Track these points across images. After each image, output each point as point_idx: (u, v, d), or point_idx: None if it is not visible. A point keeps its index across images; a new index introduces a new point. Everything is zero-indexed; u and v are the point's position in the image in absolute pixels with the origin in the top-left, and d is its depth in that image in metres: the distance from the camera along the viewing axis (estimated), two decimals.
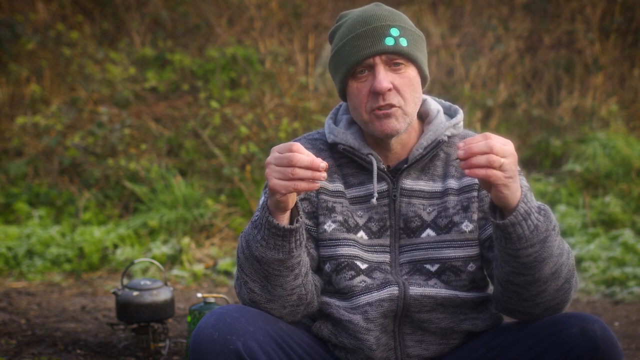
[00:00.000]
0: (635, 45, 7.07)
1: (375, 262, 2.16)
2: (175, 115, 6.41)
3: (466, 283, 2.15)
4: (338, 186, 2.18)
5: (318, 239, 2.16)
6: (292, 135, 5.93)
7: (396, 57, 2.09)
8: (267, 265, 2.00)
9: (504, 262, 1.98)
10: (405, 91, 2.10)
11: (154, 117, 6.42)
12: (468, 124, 6.10)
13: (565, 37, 7.16)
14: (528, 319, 2.06)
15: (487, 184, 1.89)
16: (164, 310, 3.34)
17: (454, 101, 2.56)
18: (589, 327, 1.93)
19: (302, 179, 1.87)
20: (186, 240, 5.22)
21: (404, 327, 2.16)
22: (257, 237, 1.98)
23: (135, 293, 3.32)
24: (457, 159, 1.88)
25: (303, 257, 2.03)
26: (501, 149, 1.85)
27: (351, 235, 2.15)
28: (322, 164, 1.88)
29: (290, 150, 1.88)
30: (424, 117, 2.24)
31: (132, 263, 3.33)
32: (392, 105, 2.09)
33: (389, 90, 2.08)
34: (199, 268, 4.99)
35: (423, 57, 2.15)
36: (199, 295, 3.06)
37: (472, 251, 2.14)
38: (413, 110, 2.13)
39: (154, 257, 5.03)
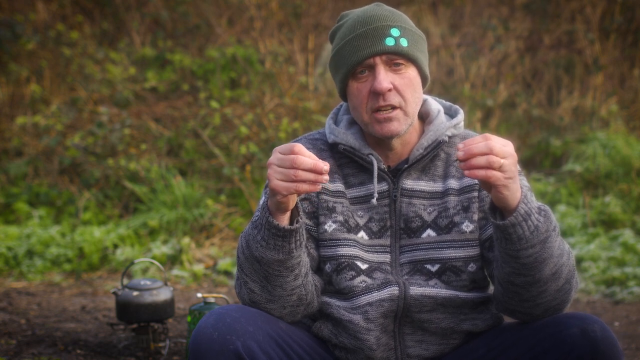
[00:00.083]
0: (635, 45, 7.07)
1: (376, 262, 2.16)
2: (175, 115, 6.41)
3: (466, 283, 2.15)
4: (338, 186, 2.18)
5: (318, 239, 2.16)
6: (292, 135, 5.93)
7: (396, 57, 2.09)
8: (267, 265, 2.00)
9: (504, 263, 1.98)
10: (405, 91, 2.10)
11: (154, 117, 6.42)
12: (468, 124, 6.10)
13: (565, 37, 7.16)
14: (528, 319, 2.06)
15: (487, 185, 1.89)
16: (164, 310, 3.34)
17: (454, 101, 2.56)
18: (589, 327, 1.93)
19: (304, 181, 1.87)
20: (186, 240, 5.22)
21: (404, 327, 2.16)
22: (257, 237, 1.98)
23: (135, 293, 3.32)
24: (457, 160, 1.88)
25: (303, 258, 2.03)
26: (501, 149, 1.85)
27: (351, 236, 2.15)
28: (325, 166, 1.87)
29: (293, 152, 1.87)
30: (424, 117, 2.23)
31: (132, 263, 3.33)
32: (392, 107, 2.09)
33: (389, 90, 2.08)
34: (199, 268, 4.99)
35: (423, 58, 2.15)
36: (199, 295, 3.06)
37: (473, 251, 2.14)
38: (414, 110, 2.13)
39: (154, 257, 5.03)
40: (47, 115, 6.43)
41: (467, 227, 2.13)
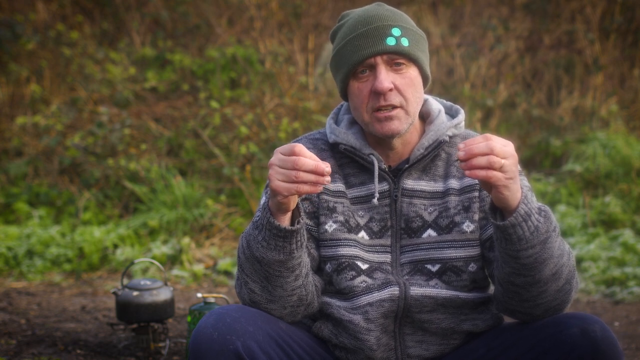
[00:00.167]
0: (635, 45, 7.07)
1: (376, 262, 2.15)
2: (175, 115, 6.41)
3: (467, 283, 2.15)
4: (339, 186, 2.18)
5: (319, 239, 2.16)
6: (292, 135, 5.93)
7: (397, 57, 2.09)
8: (268, 266, 2.00)
9: (504, 263, 1.98)
10: (406, 91, 2.09)
11: (154, 117, 6.42)
12: (468, 124, 6.08)
13: (565, 37, 7.16)
14: (529, 320, 2.06)
15: (487, 185, 1.89)
16: (164, 310, 3.34)
17: (454, 101, 2.55)
18: (589, 327, 1.93)
19: (305, 182, 1.87)
20: (186, 240, 5.22)
21: (405, 327, 2.16)
22: (258, 237, 1.98)
23: (135, 293, 3.32)
24: (457, 160, 1.88)
25: (304, 258, 2.03)
26: (501, 150, 1.85)
27: (352, 236, 2.15)
28: (327, 168, 1.87)
29: (293, 153, 1.87)
30: (425, 117, 2.23)
31: (132, 263, 3.33)
32: (393, 106, 2.09)
33: (390, 90, 2.08)
34: (199, 268, 4.99)
35: (424, 57, 2.15)
36: (199, 295, 3.06)
37: (473, 251, 2.14)
38: (415, 110, 2.13)
39: (154, 257, 5.03)
40: (47, 115, 6.43)
41: (468, 227, 2.13)
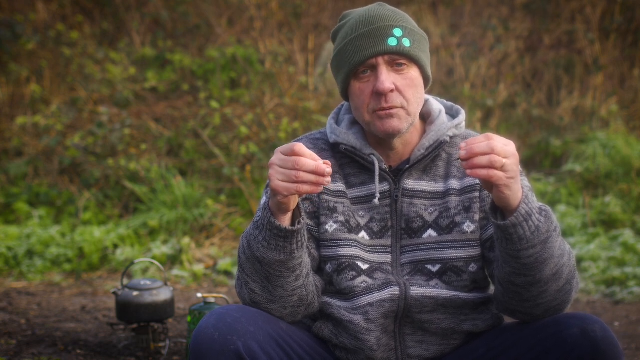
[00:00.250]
0: (635, 45, 7.07)
1: (377, 262, 2.15)
2: (175, 115, 6.41)
3: (467, 284, 2.15)
4: (340, 186, 2.18)
5: (319, 239, 2.16)
6: (292, 135, 5.93)
7: (399, 58, 2.09)
8: (269, 266, 1.99)
9: (504, 263, 1.98)
10: (407, 92, 2.09)
11: (154, 117, 6.42)
12: (468, 124, 6.08)
13: (565, 37, 7.16)
14: (529, 320, 2.06)
15: (488, 185, 1.89)
16: (164, 310, 3.34)
17: (454, 101, 2.55)
18: (589, 327, 1.93)
19: (305, 183, 1.87)
20: (186, 240, 5.22)
21: (405, 327, 2.16)
22: (259, 237, 1.98)
23: (135, 293, 3.32)
24: (458, 159, 1.88)
25: (304, 258, 2.03)
26: (503, 149, 1.84)
27: (352, 236, 2.15)
28: (328, 169, 1.87)
29: (294, 152, 1.87)
30: (426, 117, 2.23)
31: (132, 263, 3.33)
32: (394, 107, 2.09)
33: (392, 91, 2.08)
34: (199, 268, 4.99)
35: (426, 58, 2.15)
36: (199, 295, 3.06)
37: (474, 251, 2.14)
38: (415, 110, 2.13)
39: (154, 257, 5.03)
40: (47, 115, 6.43)
41: (469, 227, 2.13)
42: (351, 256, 2.13)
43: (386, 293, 2.12)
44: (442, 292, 2.13)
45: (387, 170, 2.17)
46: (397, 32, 2.09)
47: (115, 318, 3.76)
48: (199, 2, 7.47)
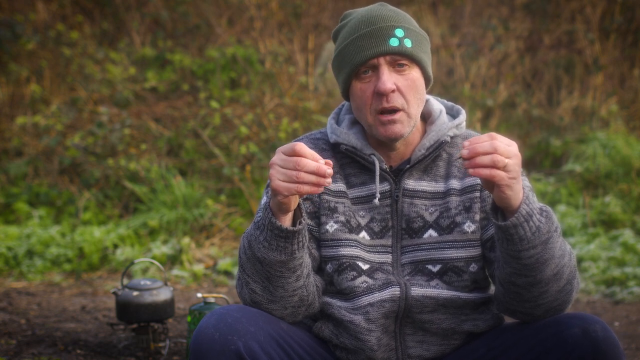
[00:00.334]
0: (635, 45, 7.07)
1: (377, 262, 2.15)
2: (175, 115, 6.41)
3: (468, 284, 2.14)
4: (340, 186, 2.18)
5: (320, 239, 2.15)
6: (292, 135, 5.93)
7: (400, 58, 2.08)
8: (269, 266, 1.99)
9: (505, 263, 1.98)
10: (408, 93, 2.09)
11: (154, 117, 6.42)
12: (468, 124, 6.08)
13: (565, 37, 7.16)
14: (529, 320, 2.06)
15: (489, 185, 1.89)
16: (164, 310, 3.34)
17: (454, 101, 2.55)
18: (590, 327, 1.93)
19: (306, 183, 1.87)
20: (186, 240, 5.22)
21: (405, 327, 2.16)
22: (260, 238, 1.98)
23: (135, 293, 3.32)
24: (460, 158, 1.87)
25: (305, 259, 2.03)
26: (505, 149, 1.84)
27: (353, 236, 2.15)
28: (329, 170, 1.87)
29: (295, 153, 1.87)
30: (426, 117, 2.23)
31: (132, 263, 3.33)
32: (396, 109, 2.08)
33: (393, 91, 2.07)
34: (199, 268, 4.99)
35: (427, 58, 2.14)
36: (199, 295, 3.06)
37: (474, 252, 2.14)
38: (416, 112, 2.12)
39: (154, 257, 5.02)
40: (47, 115, 6.42)
41: (469, 227, 2.13)
42: (352, 256, 2.13)
43: (387, 293, 2.12)
44: (443, 292, 2.13)
45: (388, 170, 2.17)
46: (399, 32, 2.09)
47: (115, 318, 3.76)
48: (199, 2, 7.47)
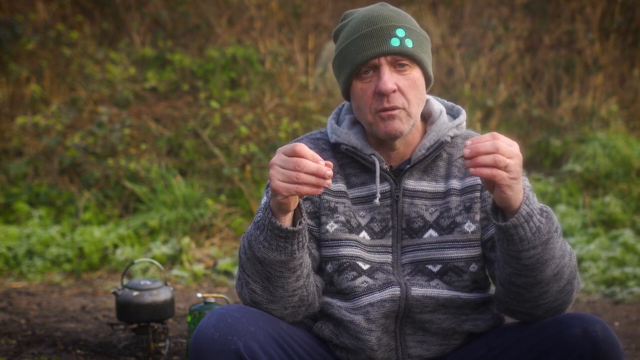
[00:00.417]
0: (635, 45, 7.07)
1: (377, 262, 2.15)
2: (175, 115, 6.41)
3: (468, 284, 2.14)
4: (340, 186, 2.18)
5: (320, 239, 2.15)
6: (292, 135, 5.94)
7: (401, 58, 2.09)
8: (269, 266, 1.99)
9: (505, 264, 1.98)
10: (409, 93, 2.09)
11: (154, 117, 6.42)
12: (468, 124, 6.07)
13: (565, 37, 7.16)
14: (530, 320, 2.06)
15: (490, 184, 1.89)
16: (164, 310, 3.34)
17: (454, 101, 2.55)
18: (590, 327, 1.93)
19: (306, 184, 1.87)
20: (186, 240, 5.22)
21: (406, 327, 2.16)
22: (260, 238, 1.98)
23: (135, 293, 3.32)
24: (462, 157, 1.87)
25: (305, 259, 2.03)
26: (507, 149, 1.84)
27: (353, 236, 2.15)
28: (329, 171, 1.86)
29: (295, 153, 1.87)
30: (426, 117, 2.23)
31: (132, 263, 3.33)
32: (396, 109, 2.09)
33: (394, 91, 2.07)
34: (199, 268, 4.99)
35: (428, 59, 2.15)
36: (199, 295, 3.06)
37: (475, 252, 2.14)
38: (417, 111, 2.13)
39: (154, 257, 5.02)
40: (47, 115, 6.43)
41: (469, 227, 2.13)
42: (352, 256, 2.13)
43: (387, 293, 2.12)
44: (443, 292, 2.13)
45: (388, 170, 2.17)
46: (400, 32, 2.09)
47: (115, 318, 3.76)
48: (199, 2, 7.47)
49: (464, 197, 2.15)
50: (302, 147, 1.87)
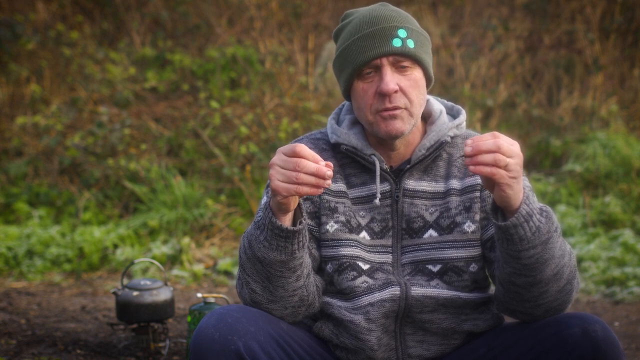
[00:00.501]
0: (635, 45, 7.07)
1: (377, 262, 2.15)
2: (175, 115, 6.41)
3: (468, 284, 2.15)
4: (340, 186, 2.18)
5: (320, 239, 2.15)
6: (292, 135, 5.94)
7: (403, 59, 2.08)
8: (269, 266, 1.99)
9: (505, 263, 1.98)
10: (411, 93, 2.09)
11: (154, 117, 6.42)
12: (468, 124, 6.07)
13: (565, 37, 7.16)
14: (529, 320, 2.06)
15: (490, 184, 1.89)
16: (164, 310, 3.34)
17: (454, 101, 2.56)
18: (590, 327, 1.93)
19: (305, 184, 1.87)
20: (186, 240, 5.22)
21: (405, 327, 2.16)
22: (260, 237, 1.98)
23: (135, 293, 3.32)
24: (462, 156, 1.88)
25: (305, 259, 2.03)
26: (508, 148, 1.85)
27: (353, 236, 2.15)
28: (329, 172, 1.86)
29: (295, 153, 1.87)
30: (426, 117, 2.23)
31: (132, 263, 3.33)
32: (398, 107, 2.09)
33: (395, 92, 2.07)
34: (199, 268, 4.99)
35: (429, 59, 2.15)
36: (199, 295, 3.06)
37: (474, 251, 2.14)
38: (418, 111, 2.13)
39: (154, 257, 5.02)
40: (47, 115, 6.43)
41: (469, 227, 2.13)
42: (352, 256, 2.13)
43: (387, 293, 2.12)
44: (443, 292, 2.13)
45: (388, 170, 2.17)
46: (402, 33, 2.09)
47: (115, 318, 3.76)
48: (199, 2, 7.47)
49: (464, 197, 2.15)
50: (302, 148, 1.87)
